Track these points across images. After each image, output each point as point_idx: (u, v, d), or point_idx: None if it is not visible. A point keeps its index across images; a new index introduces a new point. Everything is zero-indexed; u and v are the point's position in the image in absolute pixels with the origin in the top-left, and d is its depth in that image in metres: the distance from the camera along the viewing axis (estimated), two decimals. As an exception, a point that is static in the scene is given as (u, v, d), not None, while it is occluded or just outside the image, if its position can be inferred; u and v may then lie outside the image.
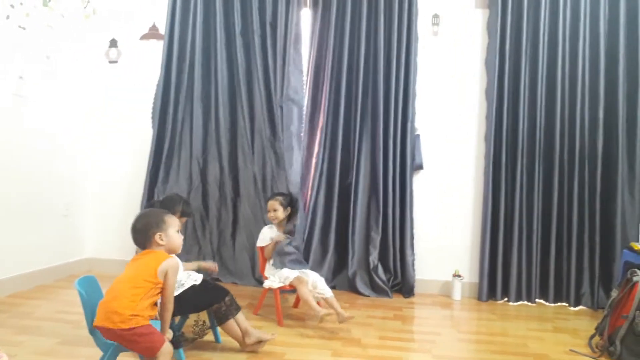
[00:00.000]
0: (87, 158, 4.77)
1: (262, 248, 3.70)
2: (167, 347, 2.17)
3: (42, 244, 4.19)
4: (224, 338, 3.00)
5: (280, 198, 3.71)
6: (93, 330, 2.23)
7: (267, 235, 3.67)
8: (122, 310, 2.11)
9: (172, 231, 2.32)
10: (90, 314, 2.23)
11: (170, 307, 2.25)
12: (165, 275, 2.21)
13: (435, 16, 4.40)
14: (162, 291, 2.22)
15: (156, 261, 2.22)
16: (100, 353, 2.23)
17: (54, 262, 4.33)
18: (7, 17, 3.75)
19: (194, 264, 3.22)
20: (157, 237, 2.27)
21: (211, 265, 3.27)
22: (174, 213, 2.84)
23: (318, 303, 3.33)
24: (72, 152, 4.60)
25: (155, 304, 2.27)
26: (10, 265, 3.83)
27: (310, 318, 3.52)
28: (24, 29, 3.90)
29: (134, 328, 2.12)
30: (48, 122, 4.25)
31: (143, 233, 2.29)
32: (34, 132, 4.09)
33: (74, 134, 4.59)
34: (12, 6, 3.78)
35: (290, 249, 3.68)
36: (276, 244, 3.63)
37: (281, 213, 3.66)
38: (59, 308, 3.56)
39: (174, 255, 2.33)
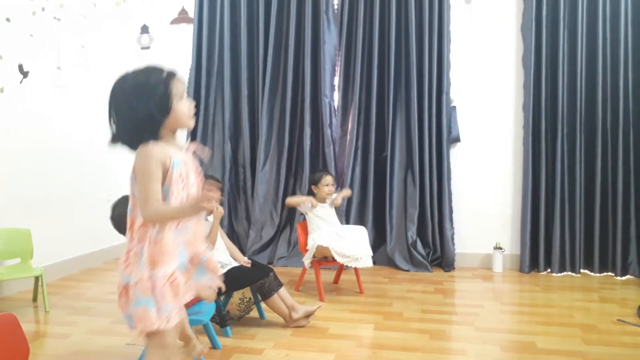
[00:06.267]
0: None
1: (302, 224, 3.71)
2: None
3: (89, 229, 4.32)
4: (268, 314, 3.06)
5: (331, 175, 3.69)
6: None
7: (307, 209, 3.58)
8: None
9: None
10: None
11: None
12: None
13: (468, -17, 4.29)
14: None
15: None
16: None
17: (100, 246, 4.47)
18: (43, 9, 3.83)
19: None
20: None
21: (244, 262, 2.99)
22: None
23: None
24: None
25: None
26: (60, 250, 3.99)
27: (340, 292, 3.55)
28: (59, 20, 3.98)
29: None
30: (86, 111, 4.33)
31: (119, 223, 2.24)
32: (75, 122, 4.19)
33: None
34: (47, -3, 3.86)
35: None
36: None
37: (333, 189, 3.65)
38: (108, 289, 3.69)
39: None
